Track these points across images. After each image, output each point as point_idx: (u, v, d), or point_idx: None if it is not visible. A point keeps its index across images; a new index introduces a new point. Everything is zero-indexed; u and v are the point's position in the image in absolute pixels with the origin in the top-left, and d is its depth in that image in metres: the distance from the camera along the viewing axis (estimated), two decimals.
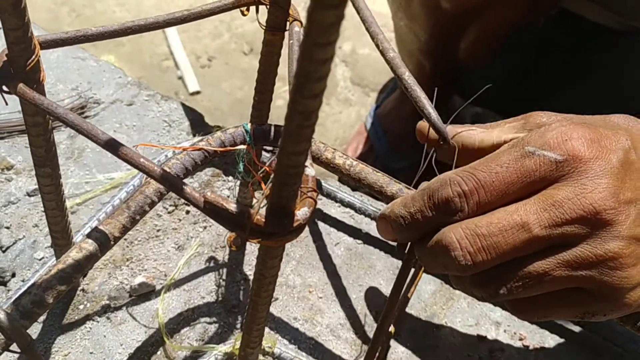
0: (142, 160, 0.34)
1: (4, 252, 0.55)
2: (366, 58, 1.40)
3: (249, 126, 0.45)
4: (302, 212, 0.33)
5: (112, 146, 0.34)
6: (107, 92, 0.69)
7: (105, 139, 0.34)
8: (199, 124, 0.68)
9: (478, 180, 0.32)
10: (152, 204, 0.41)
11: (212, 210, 0.33)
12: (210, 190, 0.33)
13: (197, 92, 1.33)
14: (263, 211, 0.32)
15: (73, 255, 0.37)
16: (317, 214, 0.62)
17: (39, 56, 0.36)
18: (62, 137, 0.64)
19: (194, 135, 0.67)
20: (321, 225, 0.62)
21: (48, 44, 0.37)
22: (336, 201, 0.62)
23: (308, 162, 0.37)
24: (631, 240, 0.31)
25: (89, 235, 0.37)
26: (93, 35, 0.38)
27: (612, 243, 0.31)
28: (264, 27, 0.46)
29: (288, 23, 0.46)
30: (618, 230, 0.31)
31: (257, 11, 0.46)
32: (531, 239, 0.31)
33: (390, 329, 0.49)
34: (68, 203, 0.59)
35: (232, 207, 0.32)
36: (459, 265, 0.32)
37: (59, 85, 0.69)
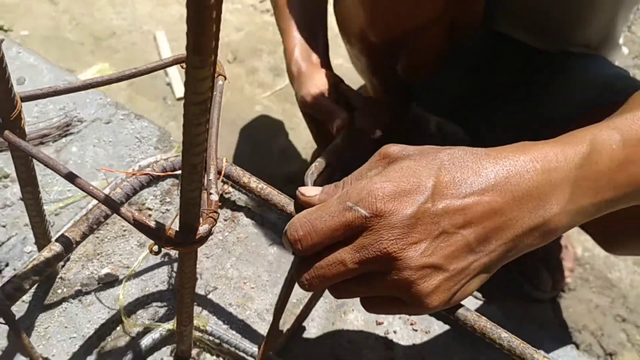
0: (91, 188, 0.47)
1: (0, 246, 0.68)
2: (339, 68, 1.53)
3: None
4: (203, 228, 0.46)
5: (70, 177, 0.47)
6: (89, 112, 0.83)
7: (65, 172, 0.47)
8: (164, 140, 0.82)
9: (311, 227, 0.45)
10: (107, 216, 0.55)
11: (138, 225, 0.46)
12: (139, 211, 0.46)
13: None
14: (176, 226, 0.46)
15: (44, 254, 0.50)
16: (257, 219, 0.76)
17: (21, 109, 0.49)
18: (49, 151, 0.78)
19: (160, 150, 0.80)
20: (260, 228, 0.75)
21: (27, 98, 0.50)
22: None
23: (214, 189, 0.50)
24: (419, 267, 0.44)
25: (57, 240, 0.51)
26: (61, 90, 0.51)
27: (402, 272, 0.44)
28: None
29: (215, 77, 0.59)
30: (406, 263, 0.44)
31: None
32: (347, 271, 0.45)
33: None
34: (52, 207, 0.73)
35: (152, 223, 0.46)
36: (303, 287, 0.47)
37: (49, 105, 0.82)
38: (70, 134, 0.80)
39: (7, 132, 0.48)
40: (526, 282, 1.17)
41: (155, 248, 0.47)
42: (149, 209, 0.74)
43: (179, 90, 1.46)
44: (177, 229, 0.45)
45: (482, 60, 1.09)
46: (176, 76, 1.48)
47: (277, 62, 1.53)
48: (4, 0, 1.58)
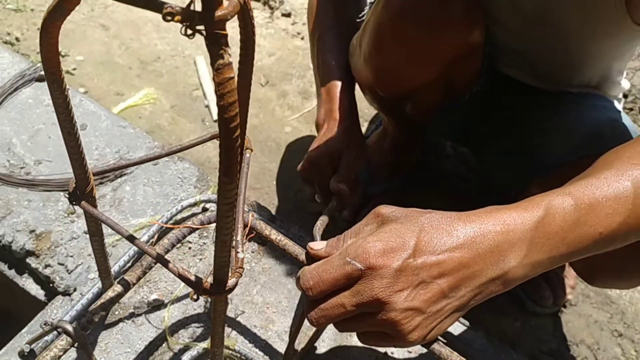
0: (147, 248, 0.61)
1: (69, 273, 0.84)
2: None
3: None
4: (231, 282, 0.59)
5: (130, 238, 0.61)
6: (139, 154, 0.97)
7: (126, 235, 0.62)
8: (202, 180, 0.96)
9: (319, 278, 0.58)
10: (156, 263, 0.69)
11: (182, 278, 0.60)
12: (182, 267, 0.60)
13: None
14: (210, 279, 0.59)
15: (109, 294, 0.65)
16: (279, 251, 0.89)
17: (93, 184, 0.63)
18: (107, 190, 0.93)
19: (199, 189, 0.94)
20: (281, 259, 0.88)
21: (98, 173, 0.65)
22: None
23: (240, 249, 0.64)
24: (403, 310, 0.56)
25: (118, 282, 0.66)
26: (122, 166, 0.66)
27: (389, 313, 0.56)
28: None
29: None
30: (392, 306, 0.56)
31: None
32: (346, 312, 0.58)
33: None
34: (110, 239, 0.88)
35: (192, 277, 0.60)
36: (312, 323, 0.59)
37: (107, 149, 0.97)
38: (125, 174, 0.95)
39: (83, 202, 0.62)
40: (528, 298, 1.28)
41: (195, 296, 0.61)
42: (189, 242, 0.88)
43: (217, 113, 1.61)
44: (211, 282, 0.59)
45: (485, 97, 1.19)
46: (214, 100, 1.62)
47: (306, 85, 1.66)
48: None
